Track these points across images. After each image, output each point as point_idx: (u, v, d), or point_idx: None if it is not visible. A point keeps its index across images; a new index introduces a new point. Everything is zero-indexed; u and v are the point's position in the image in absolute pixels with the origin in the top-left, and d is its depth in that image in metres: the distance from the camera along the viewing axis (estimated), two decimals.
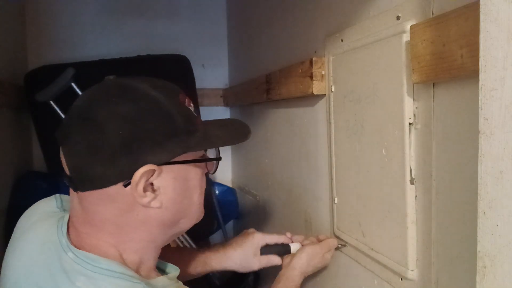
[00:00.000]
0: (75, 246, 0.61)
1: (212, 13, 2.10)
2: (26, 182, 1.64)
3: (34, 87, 1.59)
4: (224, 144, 0.68)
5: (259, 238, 0.98)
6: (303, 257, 0.95)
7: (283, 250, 0.98)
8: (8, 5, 1.68)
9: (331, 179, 1.00)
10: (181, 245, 1.51)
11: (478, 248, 0.42)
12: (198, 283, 0.95)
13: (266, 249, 0.97)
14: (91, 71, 1.69)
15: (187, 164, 0.63)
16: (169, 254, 0.84)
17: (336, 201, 0.98)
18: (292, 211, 1.32)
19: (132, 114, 0.57)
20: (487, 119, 0.41)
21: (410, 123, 0.70)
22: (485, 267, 0.42)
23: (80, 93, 1.55)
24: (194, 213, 0.68)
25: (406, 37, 0.68)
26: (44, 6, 1.89)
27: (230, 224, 2.12)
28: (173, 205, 0.63)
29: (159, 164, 0.59)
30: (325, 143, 1.04)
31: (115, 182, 0.58)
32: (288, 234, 1.02)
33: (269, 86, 1.34)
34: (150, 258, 0.66)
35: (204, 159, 0.67)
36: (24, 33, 1.86)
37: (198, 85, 1.87)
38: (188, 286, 0.67)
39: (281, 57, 1.35)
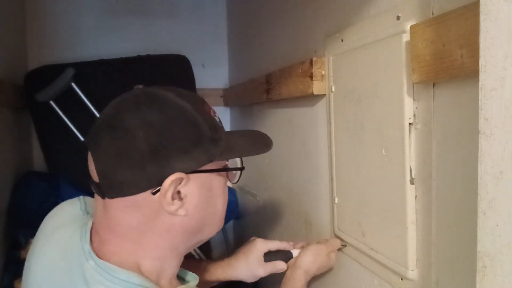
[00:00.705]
0: (97, 254, 0.61)
1: (212, 13, 2.10)
2: (26, 182, 1.64)
3: (34, 87, 1.59)
4: (248, 154, 0.70)
5: (261, 245, 0.96)
6: (308, 255, 0.94)
7: (285, 256, 0.98)
8: (8, 5, 1.68)
9: (331, 179, 1.00)
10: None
11: (478, 248, 0.42)
12: None
13: (269, 256, 0.97)
14: (91, 71, 1.70)
15: (212, 173, 0.64)
16: (187, 263, 0.85)
17: (336, 201, 0.98)
18: (292, 211, 1.32)
19: (160, 122, 0.59)
20: (487, 119, 0.41)
21: (410, 123, 0.70)
22: (485, 267, 0.42)
23: (80, 93, 1.55)
24: (218, 221, 0.69)
25: (406, 37, 0.68)
26: (44, 6, 1.89)
27: (230, 224, 2.12)
28: (198, 213, 0.64)
29: (187, 172, 0.60)
30: (325, 143, 1.04)
31: (144, 189, 0.59)
32: (291, 242, 1.01)
33: (269, 86, 1.34)
34: (172, 266, 0.66)
35: (228, 169, 0.68)
36: (24, 33, 1.86)
37: (198, 85, 1.87)
38: None
39: (281, 57, 1.35)
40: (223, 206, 0.69)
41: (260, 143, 0.76)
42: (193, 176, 0.61)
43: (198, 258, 1.40)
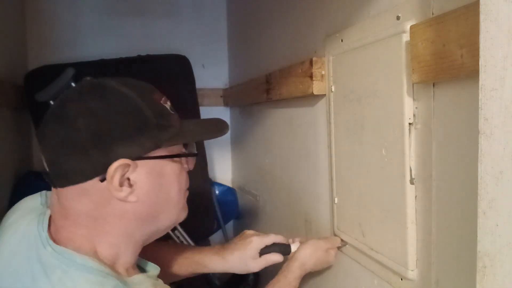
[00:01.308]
0: (54, 241, 0.62)
1: (212, 13, 2.10)
2: (26, 182, 1.64)
3: (34, 87, 1.58)
4: (196, 138, 0.71)
5: (257, 243, 0.95)
6: (306, 248, 0.93)
7: (283, 250, 0.97)
8: (8, 5, 1.68)
9: (331, 179, 1.00)
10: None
11: (478, 248, 0.42)
12: (198, 283, 0.95)
13: (265, 250, 0.97)
14: (91, 71, 1.68)
15: (162, 159, 0.64)
16: (164, 250, 0.84)
17: (336, 201, 0.98)
18: (292, 211, 1.32)
19: (101, 109, 0.60)
20: (487, 119, 0.41)
21: (410, 123, 0.70)
22: (485, 267, 0.42)
23: None
24: (173, 209, 0.68)
25: (406, 37, 0.68)
26: (44, 6, 1.89)
27: (230, 224, 2.12)
28: (149, 200, 0.64)
29: (133, 158, 0.61)
30: (325, 143, 1.04)
31: (91, 177, 0.60)
32: (290, 239, 1.00)
33: (269, 86, 1.34)
34: (128, 254, 0.66)
35: (178, 155, 0.67)
36: (24, 33, 1.86)
37: (198, 85, 1.87)
38: (184, 285, 0.67)
39: (281, 57, 1.35)
40: (178, 193, 0.68)
41: (214, 127, 0.75)
42: (141, 162, 0.62)
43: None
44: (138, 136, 0.61)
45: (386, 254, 0.79)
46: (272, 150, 1.49)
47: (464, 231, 0.61)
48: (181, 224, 1.67)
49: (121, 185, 0.61)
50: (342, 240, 0.97)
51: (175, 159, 0.67)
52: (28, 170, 1.77)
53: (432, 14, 0.64)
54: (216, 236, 1.99)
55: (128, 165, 0.60)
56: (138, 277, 0.65)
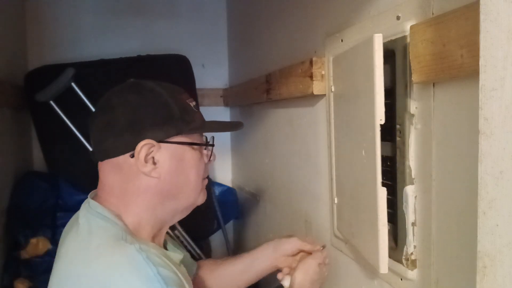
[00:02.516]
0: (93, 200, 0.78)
1: (212, 13, 2.10)
2: (26, 182, 1.64)
3: (34, 87, 1.59)
4: (213, 130, 0.82)
5: (295, 241, 0.96)
6: (298, 275, 0.91)
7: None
8: (9, 5, 1.68)
9: (331, 179, 1.00)
10: (181, 245, 1.51)
11: (478, 248, 0.42)
12: None
13: None
14: (91, 71, 1.70)
15: (183, 145, 0.76)
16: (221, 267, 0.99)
17: (336, 201, 0.98)
18: (292, 211, 1.32)
19: (137, 102, 0.74)
20: (487, 119, 0.41)
21: (380, 124, 0.69)
22: (485, 267, 0.42)
23: (80, 93, 1.55)
24: (191, 191, 0.79)
25: (379, 38, 0.68)
26: (44, 6, 1.89)
27: (230, 224, 2.12)
28: (170, 178, 0.75)
29: (157, 140, 0.73)
30: (325, 143, 1.04)
31: (123, 153, 0.73)
32: (279, 275, 0.97)
33: (269, 86, 1.34)
34: (149, 225, 0.76)
35: (195, 143, 0.78)
36: (24, 33, 1.86)
37: (198, 85, 1.87)
38: None
39: (281, 57, 1.35)
40: (196, 178, 0.79)
41: (230, 125, 0.90)
42: (164, 145, 0.74)
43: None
44: (164, 125, 0.74)
45: (366, 256, 0.79)
46: (272, 150, 1.49)
47: (464, 231, 0.61)
48: (181, 224, 1.68)
49: (146, 161, 0.73)
50: (323, 246, 0.95)
51: (195, 147, 0.78)
52: (28, 170, 1.78)
53: (432, 14, 0.64)
54: (216, 236, 1.99)
55: (153, 145, 0.73)
56: (153, 245, 0.73)
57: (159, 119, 0.74)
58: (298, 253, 0.95)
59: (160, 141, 0.73)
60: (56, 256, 0.75)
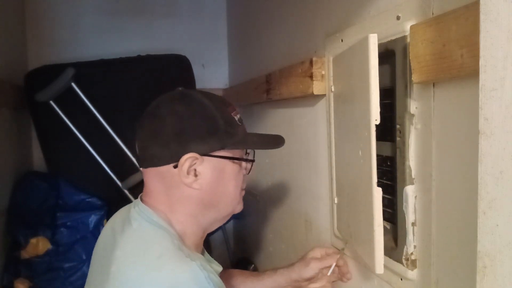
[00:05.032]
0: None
1: (212, 13, 2.10)
2: (26, 182, 1.64)
3: (34, 87, 1.59)
4: (255, 147, 0.84)
5: (315, 265, 0.98)
6: None
7: None
8: (8, 5, 1.68)
9: (331, 179, 1.00)
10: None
11: (478, 248, 0.42)
12: None
13: None
14: (91, 71, 1.70)
15: (225, 159, 0.78)
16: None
17: (336, 201, 0.98)
18: (292, 211, 1.32)
19: (185, 113, 0.75)
20: (487, 119, 0.41)
21: (376, 125, 0.69)
22: (485, 267, 0.42)
23: (80, 93, 1.55)
24: (230, 201, 0.82)
25: (373, 38, 0.68)
26: (44, 6, 1.89)
27: (230, 224, 2.12)
28: (211, 189, 0.77)
29: (201, 154, 0.75)
30: (325, 143, 1.04)
31: (167, 163, 0.75)
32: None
33: (269, 86, 1.34)
34: (193, 233, 0.78)
35: (238, 158, 0.80)
36: (24, 33, 1.86)
37: (198, 85, 1.87)
38: None
39: (281, 57, 1.35)
40: (235, 189, 0.81)
41: (272, 141, 0.90)
42: (207, 158, 0.76)
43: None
44: (208, 138, 0.75)
45: (363, 256, 0.79)
46: (272, 150, 1.48)
47: (464, 231, 0.61)
48: None
49: (188, 173, 0.74)
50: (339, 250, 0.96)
51: (236, 161, 0.80)
52: (28, 170, 1.78)
53: (432, 14, 0.64)
54: (216, 236, 1.99)
55: (196, 158, 0.74)
56: (198, 256, 0.75)
57: (204, 131, 0.75)
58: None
59: (203, 154, 0.75)
60: (104, 257, 0.77)
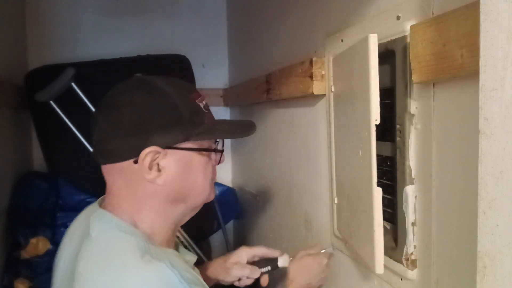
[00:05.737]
0: (102, 207, 0.74)
1: (212, 13, 2.10)
2: (26, 182, 1.63)
3: (34, 87, 1.58)
4: (223, 136, 0.77)
5: (244, 250, 0.98)
6: (294, 266, 0.94)
7: (270, 264, 0.96)
8: (8, 5, 1.68)
9: (331, 179, 1.00)
10: (182, 245, 1.51)
11: (478, 248, 0.42)
12: None
13: (255, 264, 0.96)
14: (91, 71, 1.70)
15: (190, 151, 0.72)
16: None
17: (336, 201, 0.98)
18: (292, 211, 1.32)
19: (144, 102, 0.69)
20: (487, 119, 0.41)
21: (376, 124, 0.69)
22: (485, 267, 0.42)
23: (80, 93, 1.55)
24: (200, 193, 0.76)
25: (373, 38, 0.68)
26: (44, 6, 1.89)
27: (230, 224, 2.12)
28: (176, 184, 0.72)
29: (163, 147, 0.69)
30: (325, 143, 1.04)
31: (127, 158, 0.69)
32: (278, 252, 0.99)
33: (269, 86, 1.34)
34: (162, 230, 0.74)
35: (204, 149, 0.74)
36: (24, 33, 1.86)
37: (198, 85, 1.87)
38: None
39: (281, 57, 1.35)
40: (203, 182, 0.75)
41: (242, 129, 0.82)
42: (171, 151, 0.70)
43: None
44: (171, 129, 0.69)
45: (363, 256, 0.79)
46: (272, 150, 1.49)
47: (464, 231, 0.61)
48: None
49: (150, 168, 0.69)
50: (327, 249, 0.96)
51: (203, 152, 0.74)
52: (28, 170, 1.77)
53: (432, 14, 0.64)
54: (216, 236, 1.99)
55: (158, 152, 0.68)
56: (168, 252, 0.71)
57: (166, 122, 0.69)
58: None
59: (166, 147, 0.69)
60: (66, 273, 0.72)
